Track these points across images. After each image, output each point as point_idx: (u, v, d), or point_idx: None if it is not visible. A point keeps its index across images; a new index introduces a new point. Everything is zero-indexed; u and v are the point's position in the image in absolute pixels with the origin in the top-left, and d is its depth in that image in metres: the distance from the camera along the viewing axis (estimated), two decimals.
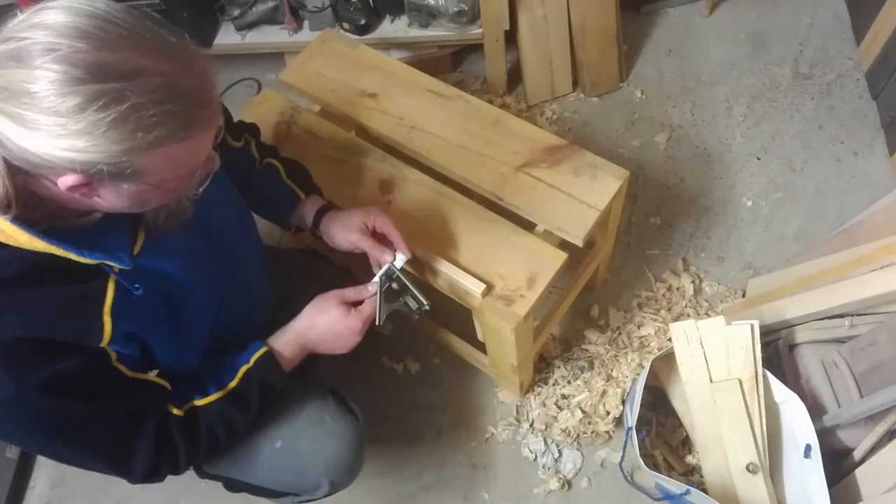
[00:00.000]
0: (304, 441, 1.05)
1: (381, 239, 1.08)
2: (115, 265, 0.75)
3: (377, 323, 1.02)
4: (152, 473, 0.87)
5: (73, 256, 0.72)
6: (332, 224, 1.10)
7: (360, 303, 1.01)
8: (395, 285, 1.05)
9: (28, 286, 0.70)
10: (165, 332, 0.85)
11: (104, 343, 0.77)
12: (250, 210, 1.13)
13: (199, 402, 0.90)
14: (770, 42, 2.05)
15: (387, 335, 1.64)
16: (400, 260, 1.06)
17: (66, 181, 0.64)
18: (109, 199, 0.69)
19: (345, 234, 1.07)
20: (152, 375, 0.87)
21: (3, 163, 0.64)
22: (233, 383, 0.92)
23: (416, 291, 1.05)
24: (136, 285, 0.78)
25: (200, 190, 0.78)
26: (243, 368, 0.93)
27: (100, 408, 0.79)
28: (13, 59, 0.59)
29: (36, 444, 0.80)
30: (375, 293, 1.02)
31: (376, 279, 1.04)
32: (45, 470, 1.56)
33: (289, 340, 0.98)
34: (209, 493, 1.49)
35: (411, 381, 1.59)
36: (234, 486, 1.11)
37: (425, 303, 1.05)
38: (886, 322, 1.21)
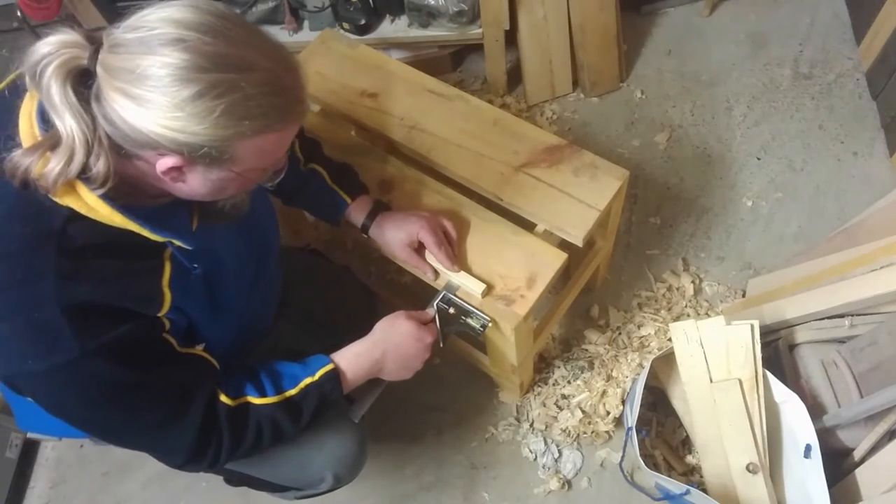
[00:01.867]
0: (308, 435, 1.05)
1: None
2: (179, 243, 0.79)
3: (440, 345, 1.07)
4: (196, 455, 0.86)
5: (146, 232, 0.76)
6: (388, 233, 1.13)
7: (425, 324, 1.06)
8: (451, 310, 1.10)
9: (98, 257, 0.74)
10: (208, 312, 0.88)
11: (163, 312, 0.80)
12: (302, 209, 1.19)
13: (253, 400, 0.90)
14: (770, 42, 2.05)
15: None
16: (454, 286, 1.11)
17: (166, 163, 0.69)
18: (194, 184, 0.74)
19: (403, 251, 1.12)
20: (199, 349, 0.89)
21: (107, 140, 0.68)
22: (292, 391, 0.92)
23: (476, 311, 1.10)
24: (195, 265, 0.83)
25: (273, 183, 0.83)
26: (306, 380, 0.93)
27: (153, 375, 0.81)
28: (142, 45, 0.65)
29: (87, 409, 0.81)
30: (434, 317, 1.08)
31: (433, 307, 1.09)
32: (45, 470, 1.56)
33: (357, 354, 0.99)
34: (209, 493, 1.49)
35: (411, 381, 1.58)
36: (236, 480, 1.11)
37: (488, 319, 1.10)
38: (886, 322, 1.21)
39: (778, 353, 1.34)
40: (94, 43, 0.67)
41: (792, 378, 1.30)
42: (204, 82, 0.65)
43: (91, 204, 0.72)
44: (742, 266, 1.68)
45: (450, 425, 1.53)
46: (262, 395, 0.90)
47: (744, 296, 1.62)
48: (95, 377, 0.76)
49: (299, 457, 1.06)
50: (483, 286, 1.11)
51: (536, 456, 1.47)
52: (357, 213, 1.14)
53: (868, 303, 1.24)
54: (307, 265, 1.36)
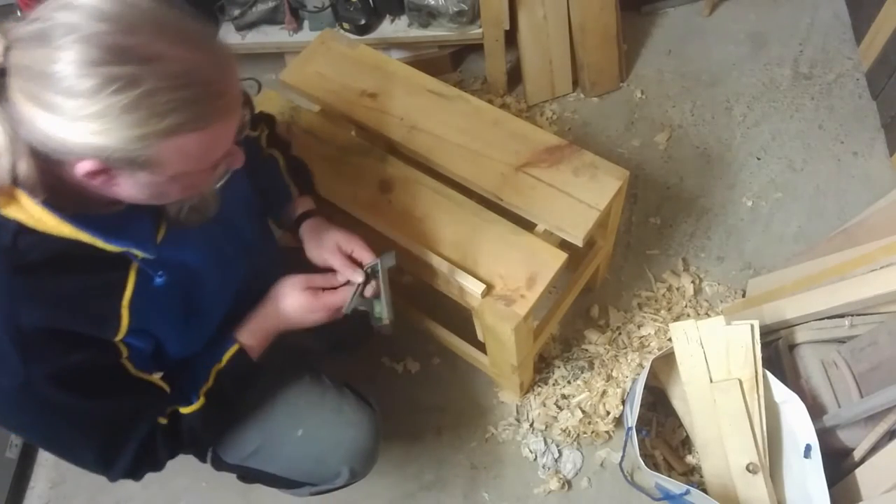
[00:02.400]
0: (325, 429, 1.07)
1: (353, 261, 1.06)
2: (140, 253, 0.75)
3: (343, 312, 0.99)
4: (132, 474, 0.88)
5: (99, 243, 0.72)
6: (311, 234, 1.07)
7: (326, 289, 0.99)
8: (371, 285, 1.01)
9: (52, 273, 0.70)
10: (181, 323, 0.86)
11: (119, 337, 0.77)
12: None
13: (183, 411, 0.90)
14: (770, 42, 2.05)
15: (387, 335, 1.64)
16: (388, 261, 1.03)
17: (83, 167, 0.64)
18: (127, 188, 0.69)
19: (318, 249, 1.05)
20: (156, 378, 0.88)
21: (25, 144, 0.64)
22: (208, 384, 0.92)
23: (387, 300, 1.01)
24: (160, 273, 0.79)
25: (218, 186, 0.77)
26: (215, 368, 0.93)
27: (100, 404, 0.79)
28: (38, 40, 0.60)
29: (29, 431, 0.81)
30: (356, 284, 1.00)
31: (361, 270, 1.01)
32: (45, 470, 1.56)
33: (254, 330, 0.96)
34: (210, 492, 1.49)
35: (411, 381, 1.59)
36: (251, 476, 1.12)
37: (387, 317, 1.01)
38: (886, 322, 1.21)
39: (778, 353, 1.34)
40: (6, 38, 0.61)
41: (792, 378, 1.30)
42: (100, 76, 0.59)
43: (36, 215, 0.67)
44: (742, 266, 1.68)
45: (450, 425, 1.53)
46: (188, 403, 0.90)
47: (744, 296, 1.62)
48: (41, 401, 0.75)
49: (317, 452, 1.07)
50: (483, 286, 1.11)
51: (536, 456, 1.47)
52: (296, 209, 1.11)
53: (868, 303, 1.24)
54: (307, 264, 1.36)
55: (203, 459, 1.09)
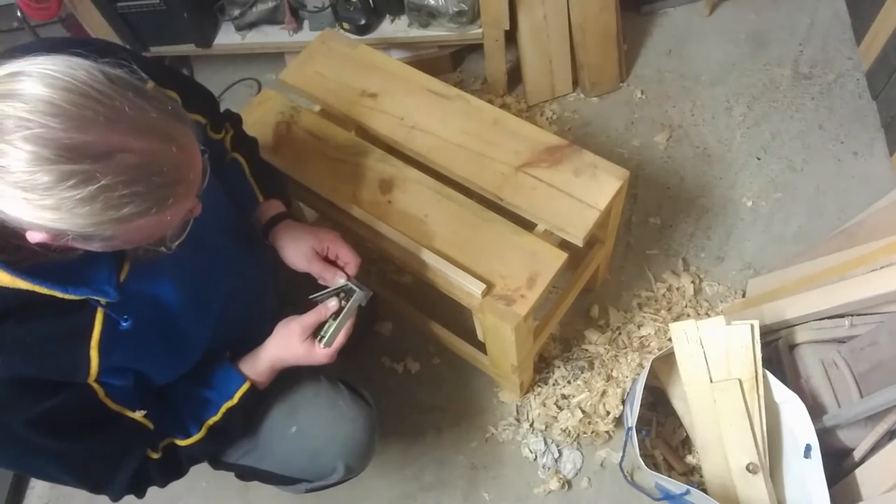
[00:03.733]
0: (319, 425, 1.07)
1: (333, 262, 1.06)
2: (101, 299, 0.75)
3: (324, 341, 0.99)
4: (130, 494, 0.89)
5: (57, 294, 0.71)
6: (284, 238, 1.06)
7: (323, 324, 1.00)
8: (335, 301, 1.01)
9: (15, 323, 0.70)
10: (162, 355, 0.86)
11: (91, 380, 0.77)
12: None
13: (181, 443, 0.91)
14: (770, 42, 2.05)
15: (387, 335, 1.64)
16: (361, 297, 1.02)
17: (34, 237, 0.63)
18: (83, 247, 0.68)
19: (296, 256, 1.05)
20: (139, 416, 0.86)
21: None
22: (215, 419, 0.93)
23: (337, 330, 0.99)
24: (125, 317, 0.78)
25: (175, 245, 0.75)
26: (227, 405, 0.94)
27: (83, 444, 0.80)
28: None
29: (18, 469, 0.84)
30: (342, 311, 1.00)
31: (343, 274, 1.03)
32: None
33: (258, 372, 0.98)
34: (209, 492, 1.49)
35: (411, 381, 1.59)
36: (247, 474, 1.12)
37: (326, 343, 0.98)
38: (886, 322, 1.21)
39: (778, 353, 1.34)
40: None
41: (792, 378, 1.30)
42: (52, 174, 0.57)
43: None
44: (742, 266, 1.68)
45: (450, 425, 1.53)
46: (187, 436, 0.91)
47: (744, 296, 1.62)
48: (19, 445, 0.75)
49: (311, 448, 1.07)
50: (483, 286, 1.11)
51: (536, 456, 1.47)
52: (262, 213, 1.09)
53: (868, 303, 1.24)
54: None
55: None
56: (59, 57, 0.60)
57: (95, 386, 0.79)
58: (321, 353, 0.98)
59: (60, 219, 0.60)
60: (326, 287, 1.04)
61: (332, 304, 1.00)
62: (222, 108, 1.12)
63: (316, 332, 0.99)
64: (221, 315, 0.95)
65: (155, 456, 0.89)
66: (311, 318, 0.99)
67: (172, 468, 0.91)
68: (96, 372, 0.77)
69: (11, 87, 0.57)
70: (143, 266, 0.80)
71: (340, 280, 1.04)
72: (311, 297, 1.04)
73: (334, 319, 1.00)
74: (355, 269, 1.06)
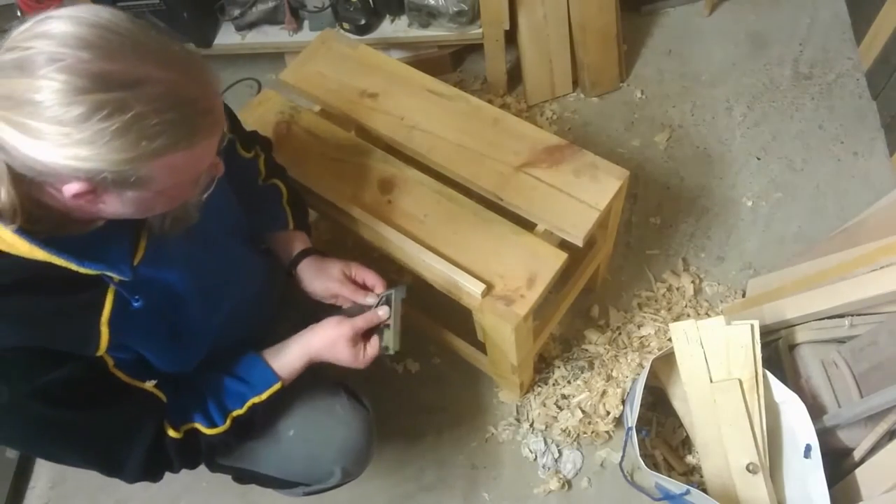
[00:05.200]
0: (316, 429, 1.07)
1: (361, 287, 1.09)
2: (115, 276, 0.75)
3: (390, 349, 1.02)
4: (147, 477, 0.88)
5: (73, 267, 0.72)
6: (310, 270, 1.10)
7: (372, 330, 1.02)
8: (384, 311, 1.04)
9: (26, 295, 0.70)
10: (165, 343, 0.86)
11: (100, 352, 0.77)
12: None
13: (203, 430, 0.90)
14: (770, 42, 2.05)
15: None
16: (401, 293, 1.06)
17: (71, 189, 0.64)
18: (114, 206, 0.69)
19: (323, 282, 1.08)
20: (150, 386, 0.87)
21: (7, 171, 0.64)
22: (239, 411, 0.92)
23: (396, 330, 1.03)
24: (136, 297, 0.78)
25: (205, 196, 0.78)
26: (253, 400, 0.93)
27: (94, 415, 0.79)
28: (17, 69, 0.59)
29: (28, 447, 0.82)
30: (388, 316, 1.03)
31: (374, 295, 1.05)
32: (45, 470, 1.56)
33: (295, 369, 0.98)
34: (209, 493, 1.49)
35: (411, 381, 1.59)
36: (245, 477, 1.12)
37: (394, 348, 1.02)
38: (886, 322, 1.21)
39: (778, 353, 1.34)
40: None
41: (792, 378, 1.30)
42: (87, 104, 0.59)
43: (8, 240, 0.68)
44: (742, 266, 1.68)
45: (450, 425, 1.53)
46: (212, 424, 0.90)
47: (744, 296, 1.62)
48: (31, 418, 0.75)
49: (309, 452, 1.07)
50: (483, 286, 1.11)
51: (536, 456, 1.47)
52: (293, 245, 1.12)
53: (868, 303, 1.24)
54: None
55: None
56: (84, 5, 0.64)
57: (106, 357, 0.79)
58: (365, 359, 1.00)
59: (97, 154, 0.61)
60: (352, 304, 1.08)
61: (383, 312, 1.03)
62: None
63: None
64: (226, 314, 0.96)
65: (175, 435, 0.87)
66: (361, 322, 1.00)
67: (191, 453, 0.90)
68: (106, 345, 0.77)
69: (40, 29, 0.60)
70: (157, 253, 0.81)
71: (371, 299, 1.07)
72: (344, 308, 1.07)
73: (385, 327, 1.03)
74: (383, 289, 1.08)
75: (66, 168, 0.61)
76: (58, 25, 0.60)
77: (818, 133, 1.87)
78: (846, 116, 1.88)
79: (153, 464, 0.86)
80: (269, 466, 1.08)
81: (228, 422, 0.91)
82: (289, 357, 0.98)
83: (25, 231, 0.68)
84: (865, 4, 1.92)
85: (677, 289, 1.65)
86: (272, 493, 1.18)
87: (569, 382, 1.52)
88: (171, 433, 0.87)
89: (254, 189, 1.12)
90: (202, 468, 1.09)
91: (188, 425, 0.90)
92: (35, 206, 0.68)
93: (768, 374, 1.24)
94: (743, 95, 1.96)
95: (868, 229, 1.40)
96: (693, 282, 1.65)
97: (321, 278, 1.08)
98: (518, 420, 1.52)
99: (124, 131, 0.60)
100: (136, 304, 0.79)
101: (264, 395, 0.94)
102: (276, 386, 0.95)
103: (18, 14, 1.83)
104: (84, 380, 0.77)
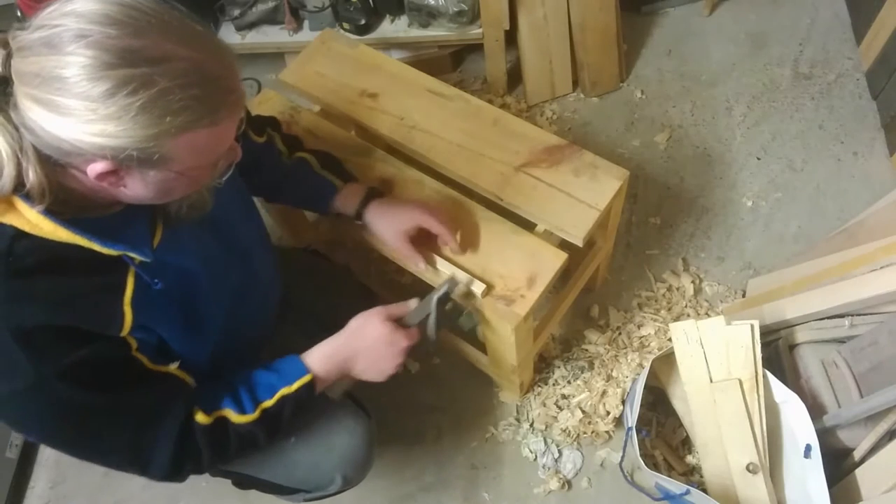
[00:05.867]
0: (318, 436, 1.06)
1: (428, 236, 1.10)
2: (137, 257, 0.76)
3: (431, 338, 1.03)
4: (174, 472, 0.85)
5: (95, 247, 0.72)
6: (380, 220, 1.10)
7: (402, 319, 1.00)
8: (448, 306, 1.06)
9: (49, 275, 0.71)
10: (180, 328, 0.86)
11: (125, 332, 0.77)
12: (286, 203, 1.18)
13: (232, 417, 0.88)
14: (770, 42, 2.05)
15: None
16: (459, 283, 1.07)
17: (96, 168, 0.65)
18: (135, 188, 0.70)
19: (391, 235, 1.10)
20: (173, 368, 0.87)
21: (33, 151, 0.64)
22: (269, 402, 0.90)
23: (469, 309, 1.06)
24: (156, 280, 0.79)
25: (223, 179, 0.79)
26: (283, 391, 0.91)
27: (120, 398, 0.78)
28: (46, 46, 0.60)
29: (51, 435, 0.79)
30: (427, 313, 1.02)
31: (432, 301, 1.02)
32: (45, 470, 1.56)
33: (328, 356, 0.95)
34: (209, 493, 1.49)
35: (411, 381, 1.59)
36: (245, 482, 1.11)
37: (431, 336, 1.04)
38: (886, 322, 1.21)
39: (778, 353, 1.34)
40: (7, 48, 0.62)
41: (792, 378, 1.30)
42: (114, 79, 0.60)
43: (33, 220, 0.68)
44: (742, 266, 1.68)
45: (450, 425, 1.53)
46: (242, 412, 0.88)
47: (744, 296, 1.62)
48: (58, 401, 0.74)
49: (310, 459, 1.06)
50: (483, 286, 1.11)
51: (536, 456, 1.47)
52: (349, 198, 1.13)
53: (868, 303, 1.24)
54: (307, 265, 1.36)
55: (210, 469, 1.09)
56: None
57: (129, 339, 0.79)
58: (399, 336, 0.97)
59: (123, 130, 0.62)
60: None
61: (413, 302, 1.02)
62: None
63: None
64: (233, 307, 0.95)
65: (205, 420, 0.85)
66: (395, 308, 1.00)
67: (220, 442, 0.87)
68: (130, 326, 0.77)
69: (68, 7, 0.62)
70: (172, 239, 0.81)
71: (420, 265, 1.11)
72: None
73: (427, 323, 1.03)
74: (449, 237, 1.10)
75: (92, 146, 0.63)
76: (85, 3, 0.62)
77: (818, 133, 1.87)
78: (846, 116, 1.88)
79: (181, 453, 0.83)
80: (271, 472, 1.08)
81: (258, 412, 0.89)
82: (320, 349, 0.95)
83: (50, 211, 0.69)
84: (865, 4, 1.92)
85: (677, 289, 1.65)
86: (272, 495, 1.18)
87: (569, 382, 1.52)
88: (201, 417, 0.85)
89: (283, 169, 1.12)
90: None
91: (218, 412, 0.87)
92: (60, 189, 0.68)
93: (768, 374, 1.24)
94: (743, 95, 1.96)
95: (868, 229, 1.40)
96: (693, 282, 1.65)
97: (387, 231, 1.10)
98: (518, 420, 1.52)
99: (150, 106, 0.62)
100: (157, 287, 0.79)
101: (294, 386, 0.91)
102: (306, 377, 0.92)
103: (18, 14, 1.83)
104: (109, 361, 0.77)
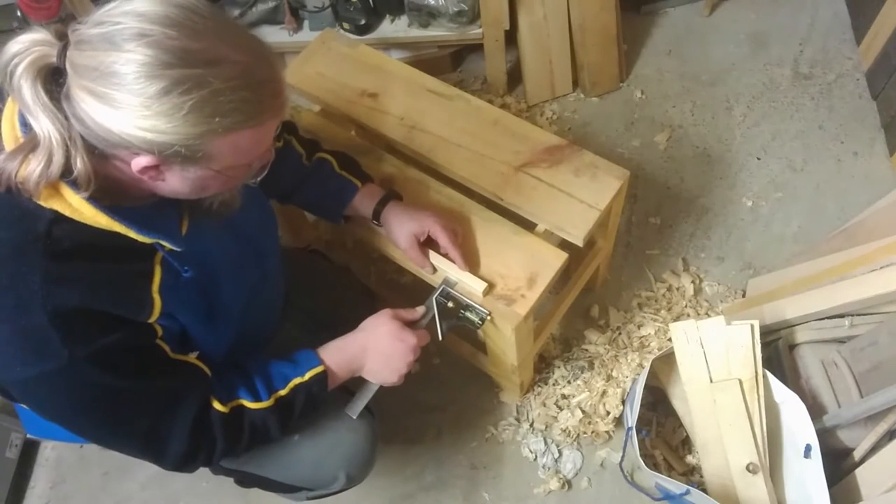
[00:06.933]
0: (322, 434, 1.06)
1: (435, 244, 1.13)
2: (168, 245, 0.78)
3: (439, 339, 1.07)
4: (187, 460, 0.87)
5: (132, 234, 0.75)
6: (396, 222, 1.12)
7: (413, 324, 1.04)
8: (450, 304, 1.10)
9: (85, 259, 0.73)
10: (202, 318, 0.88)
11: (153, 319, 0.79)
12: (300, 205, 1.19)
13: (248, 404, 0.90)
14: (770, 42, 2.05)
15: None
16: (452, 281, 1.10)
17: (140, 162, 0.68)
18: (173, 183, 0.73)
19: (404, 237, 1.11)
20: (192, 357, 0.89)
21: (81, 141, 0.67)
22: (282, 392, 0.93)
23: (474, 304, 1.09)
24: (186, 268, 0.82)
25: (258, 180, 0.81)
26: (296, 381, 0.94)
27: (144, 384, 0.81)
28: (106, 42, 0.63)
29: (74, 418, 0.81)
30: (432, 315, 1.06)
31: (432, 301, 1.08)
32: (45, 470, 1.56)
33: (340, 350, 0.99)
34: (209, 493, 1.49)
35: (411, 381, 1.57)
36: (247, 481, 1.11)
37: (486, 312, 1.09)
38: (886, 322, 1.21)
39: (778, 353, 1.34)
40: (64, 39, 0.65)
41: (792, 378, 1.30)
42: (169, 78, 0.63)
43: (75, 206, 0.71)
44: (742, 266, 1.68)
45: (450, 425, 1.53)
46: (257, 399, 0.91)
47: (744, 296, 1.62)
48: (85, 384, 0.76)
49: (314, 456, 1.06)
50: (484, 285, 1.11)
51: (536, 456, 1.47)
52: (367, 199, 1.14)
53: (868, 303, 1.24)
54: (308, 265, 1.36)
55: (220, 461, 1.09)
56: None
57: (155, 326, 0.81)
58: (409, 335, 1.00)
59: (173, 127, 0.65)
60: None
61: (421, 308, 1.07)
62: None
63: None
64: (248, 304, 0.96)
65: (222, 409, 0.87)
66: (402, 312, 1.04)
67: (235, 430, 0.89)
68: (158, 313, 0.79)
69: (128, 7, 0.65)
70: (197, 233, 0.84)
71: (429, 269, 1.14)
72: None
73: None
74: (455, 254, 1.11)
75: (140, 140, 0.65)
76: (145, 4, 0.65)
77: (818, 133, 1.87)
78: (846, 116, 1.88)
79: (196, 439, 0.86)
80: (274, 471, 1.08)
81: (272, 400, 0.91)
82: (332, 345, 0.99)
83: (92, 197, 0.71)
84: (865, 4, 1.92)
85: (677, 289, 1.65)
86: (273, 494, 1.18)
87: (569, 382, 1.52)
88: (218, 406, 0.87)
89: (304, 171, 1.13)
90: (203, 470, 1.09)
91: (235, 401, 0.90)
92: (101, 179, 0.70)
93: (768, 374, 1.24)
94: (743, 95, 1.96)
95: (868, 229, 1.40)
96: (693, 282, 1.65)
97: (398, 234, 1.11)
98: (518, 420, 1.52)
99: (201, 106, 0.64)
100: (185, 275, 0.82)
101: (306, 377, 0.94)
102: (318, 368, 0.95)
103: (18, 14, 1.83)
104: (136, 347, 0.79)
